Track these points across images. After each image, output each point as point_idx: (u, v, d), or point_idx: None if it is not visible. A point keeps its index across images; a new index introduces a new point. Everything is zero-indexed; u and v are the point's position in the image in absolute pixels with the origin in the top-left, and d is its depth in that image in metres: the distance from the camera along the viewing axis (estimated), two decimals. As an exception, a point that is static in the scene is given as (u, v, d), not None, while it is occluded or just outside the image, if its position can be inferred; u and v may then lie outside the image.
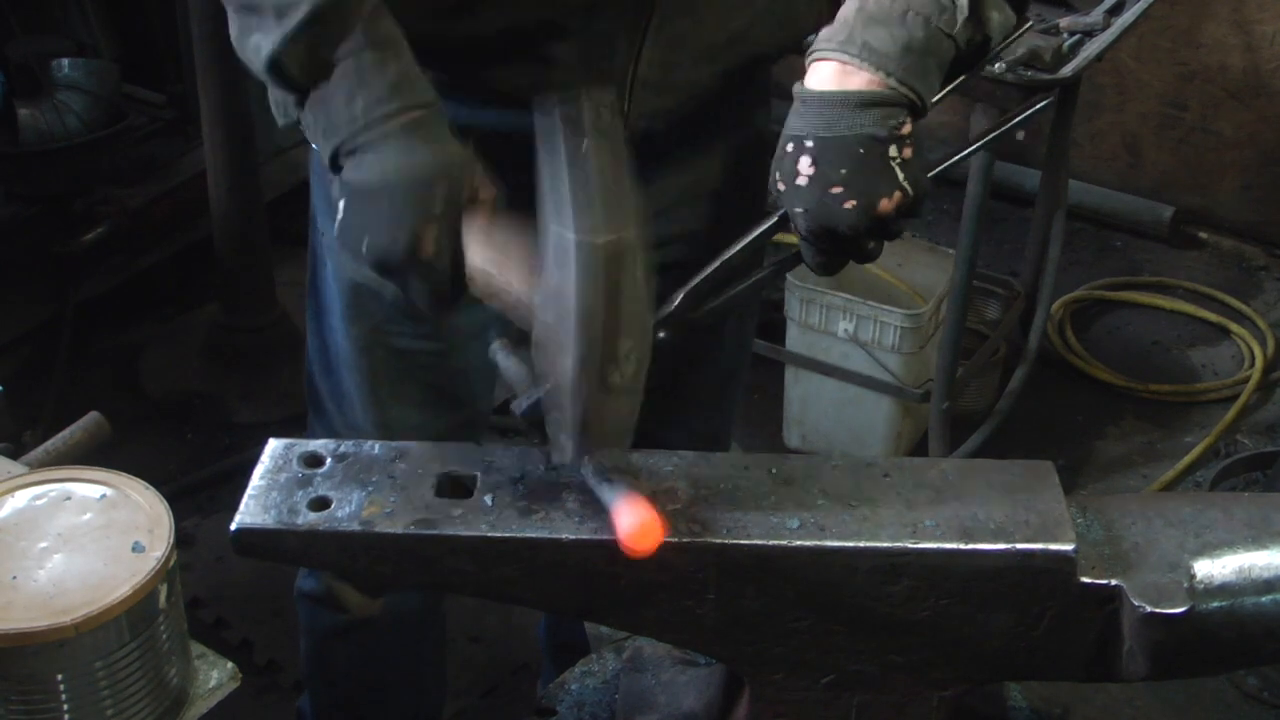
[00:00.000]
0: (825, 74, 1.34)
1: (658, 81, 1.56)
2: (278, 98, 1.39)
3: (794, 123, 1.35)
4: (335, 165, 1.34)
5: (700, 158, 1.72)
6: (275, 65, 1.33)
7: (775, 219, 1.39)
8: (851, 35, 1.33)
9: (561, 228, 1.16)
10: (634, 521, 1.19)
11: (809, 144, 1.32)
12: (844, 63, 1.33)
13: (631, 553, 1.18)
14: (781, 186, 1.34)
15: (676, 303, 1.37)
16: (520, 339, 1.35)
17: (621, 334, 1.18)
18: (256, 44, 1.35)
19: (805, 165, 1.32)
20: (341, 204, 1.33)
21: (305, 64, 1.32)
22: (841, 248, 1.37)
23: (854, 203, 1.32)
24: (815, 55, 1.36)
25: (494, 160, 1.33)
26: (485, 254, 1.29)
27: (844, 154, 1.32)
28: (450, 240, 1.28)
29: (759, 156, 1.64)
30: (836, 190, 1.31)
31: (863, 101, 1.33)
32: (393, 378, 1.81)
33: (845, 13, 1.36)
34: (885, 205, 1.33)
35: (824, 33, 1.36)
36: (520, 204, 1.32)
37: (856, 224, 1.32)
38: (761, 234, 1.40)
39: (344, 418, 1.88)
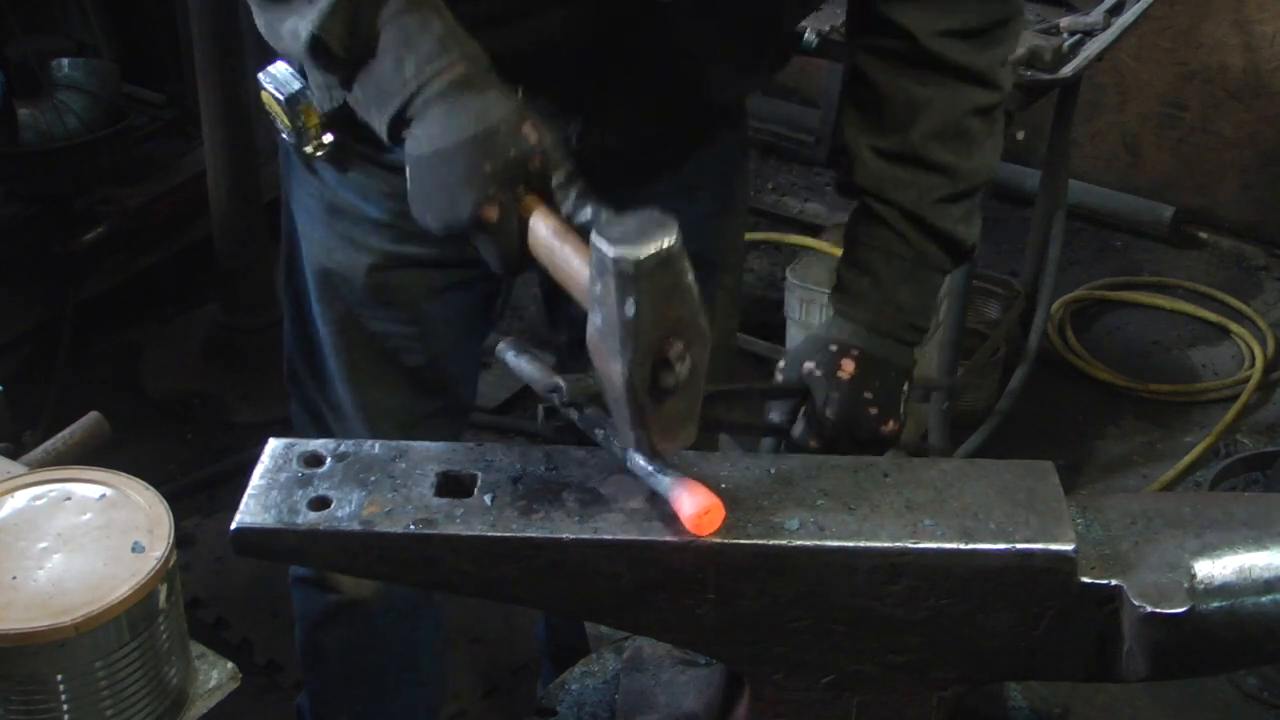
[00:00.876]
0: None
1: (611, 119, 1.59)
2: (321, 81, 1.39)
3: (842, 327, 1.58)
4: (396, 136, 1.33)
5: (664, 179, 1.74)
6: (316, 45, 1.32)
7: (785, 387, 1.57)
8: (892, 297, 1.59)
9: (599, 240, 1.14)
10: (697, 504, 1.20)
11: (854, 351, 1.56)
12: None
13: (698, 533, 1.21)
14: (819, 373, 1.54)
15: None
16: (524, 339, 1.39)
17: (671, 339, 1.17)
18: (293, 28, 1.34)
19: (849, 366, 1.54)
20: (409, 179, 1.32)
21: (346, 39, 1.31)
22: (842, 442, 1.54)
23: (876, 411, 1.54)
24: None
25: None
26: (549, 224, 1.27)
27: (881, 371, 1.56)
28: (512, 202, 1.27)
29: (737, 169, 1.78)
30: (868, 395, 1.54)
31: (899, 339, 1.59)
32: (370, 359, 1.82)
33: (871, 262, 1.59)
34: (892, 427, 1.56)
35: (856, 285, 1.60)
36: None
37: (874, 429, 1.54)
38: (770, 390, 1.59)
39: (325, 398, 1.89)
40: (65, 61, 3.45)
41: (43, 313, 3.47)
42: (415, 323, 1.80)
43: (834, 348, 1.56)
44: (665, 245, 1.13)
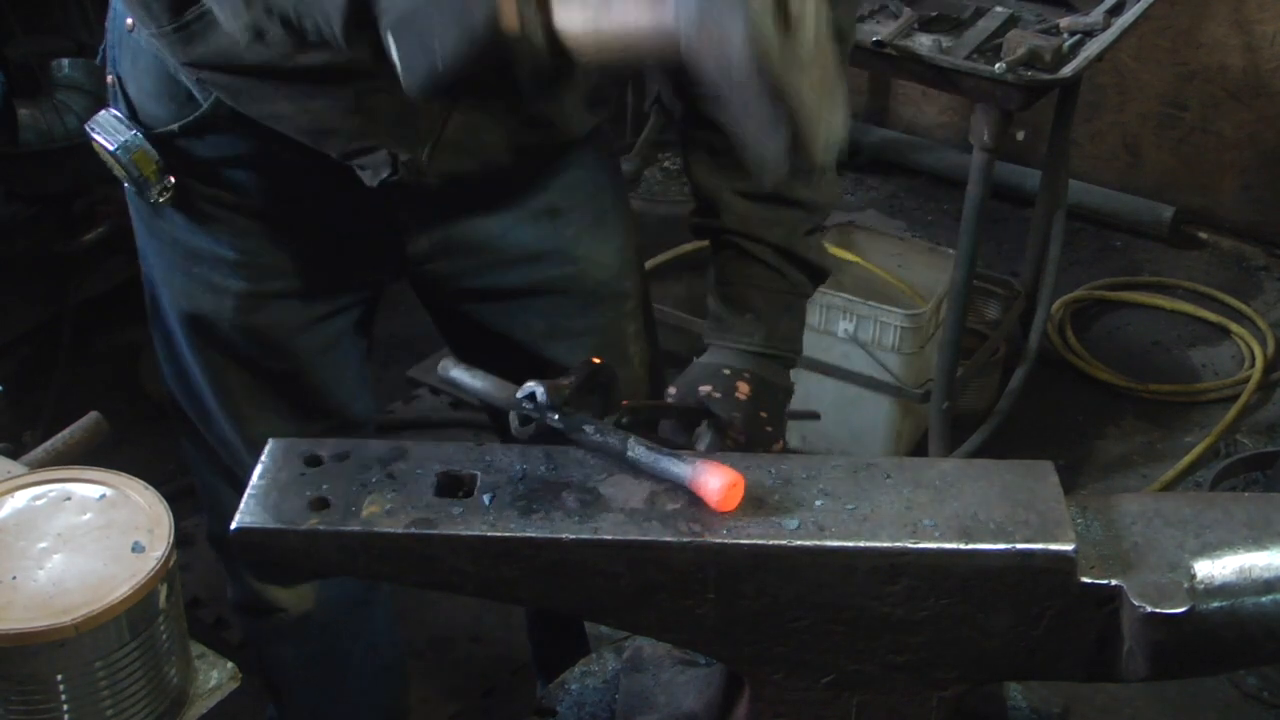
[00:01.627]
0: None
1: (455, 144, 1.56)
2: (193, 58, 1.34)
3: (727, 356, 1.66)
4: (356, 24, 1.17)
5: (523, 181, 1.72)
6: None
7: (685, 408, 1.61)
8: (775, 328, 1.69)
9: None
10: (721, 479, 1.22)
11: (746, 374, 1.64)
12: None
13: (724, 509, 1.23)
14: (718, 395, 1.60)
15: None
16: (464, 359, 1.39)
17: None
18: None
19: (744, 388, 1.62)
20: (393, 47, 1.14)
21: None
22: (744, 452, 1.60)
23: (771, 429, 1.63)
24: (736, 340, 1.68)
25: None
26: (581, 7, 1.11)
27: (770, 393, 1.66)
28: (534, 3, 1.11)
29: (609, 178, 1.79)
30: (763, 415, 1.62)
31: (784, 363, 1.72)
32: (250, 396, 1.79)
33: (750, 300, 1.67)
34: (781, 444, 1.65)
35: (739, 323, 1.67)
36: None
37: (768, 445, 1.61)
38: (677, 409, 1.61)
39: (213, 434, 1.87)
40: (65, 61, 3.45)
41: (43, 313, 3.47)
42: (290, 358, 1.77)
43: (727, 372, 1.64)
44: None
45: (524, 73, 1.13)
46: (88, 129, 1.63)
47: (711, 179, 1.67)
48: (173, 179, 1.63)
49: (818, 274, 1.73)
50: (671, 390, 1.64)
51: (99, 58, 1.73)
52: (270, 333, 1.75)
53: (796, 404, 3.56)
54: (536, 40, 1.11)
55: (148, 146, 1.61)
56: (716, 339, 1.68)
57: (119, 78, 1.66)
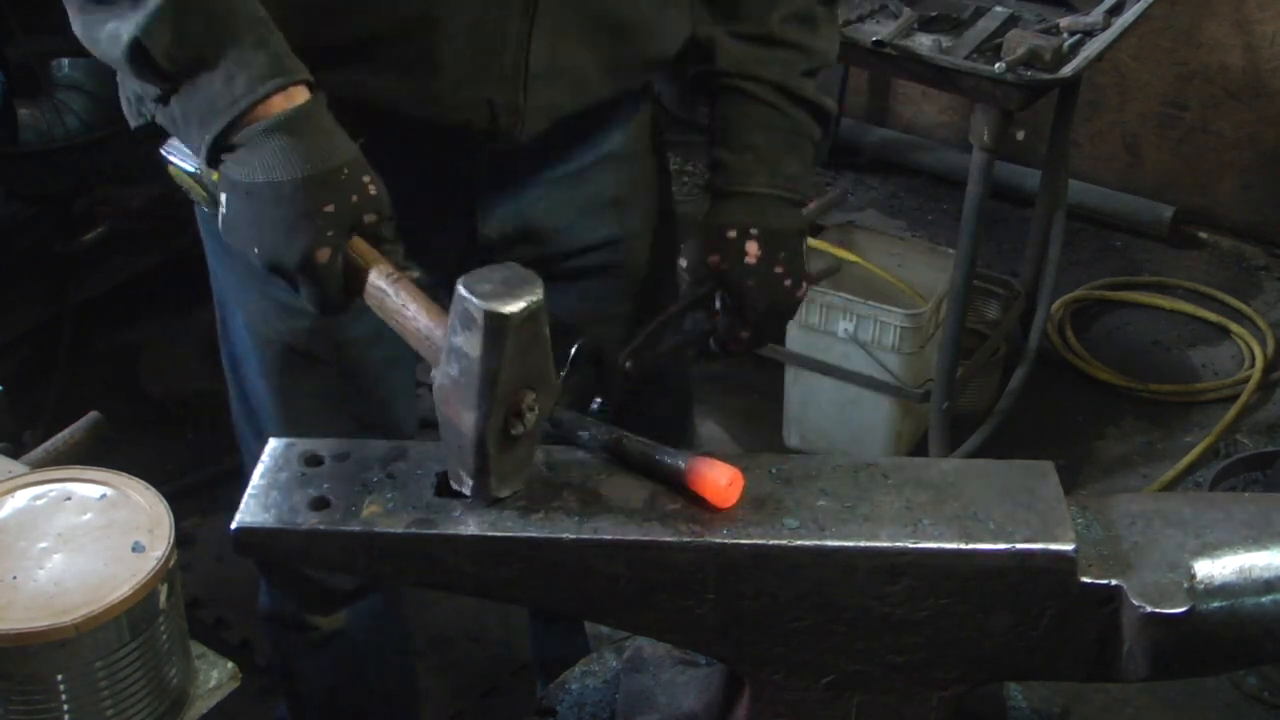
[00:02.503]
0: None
1: (546, 70, 1.54)
2: (134, 92, 1.33)
3: (730, 209, 1.60)
4: (215, 158, 1.29)
5: (598, 168, 1.74)
6: (137, 51, 1.26)
7: (701, 293, 1.62)
8: (778, 167, 1.63)
9: (468, 294, 1.14)
10: (721, 475, 1.22)
11: (753, 231, 1.59)
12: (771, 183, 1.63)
13: (724, 505, 1.23)
14: (725, 266, 1.58)
15: (640, 340, 1.54)
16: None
17: (526, 391, 1.19)
18: (114, 31, 1.28)
19: (753, 248, 1.58)
20: (224, 199, 1.28)
21: (171, 49, 1.26)
22: (768, 322, 1.63)
23: (789, 283, 1.60)
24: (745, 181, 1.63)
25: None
26: (383, 270, 1.28)
27: (782, 241, 1.60)
28: (343, 246, 1.27)
29: (659, 171, 1.79)
30: (779, 270, 1.59)
31: (791, 202, 1.63)
32: (315, 416, 1.78)
33: (750, 138, 1.63)
34: (804, 289, 1.63)
35: (738, 163, 1.63)
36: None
37: (792, 300, 1.61)
38: (694, 302, 1.62)
39: None
40: (65, 61, 3.45)
41: (43, 313, 3.47)
42: (358, 374, 1.77)
43: (732, 234, 1.59)
44: (532, 300, 1.15)
45: (311, 295, 1.29)
46: (163, 154, 1.59)
47: (707, 24, 1.66)
48: None
49: (821, 114, 1.68)
50: (682, 262, 1.64)
51: None
52: (346, 349, 1.73)
53: (794, 403, 3.56)
54: (334, 274, 1.28)
55: None
56: (719, 187, 1.64)
57: None
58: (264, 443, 1.82)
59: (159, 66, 1.27)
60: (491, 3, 1.48)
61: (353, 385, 1.77)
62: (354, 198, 1.27)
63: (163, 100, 1.31)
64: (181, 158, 1.57)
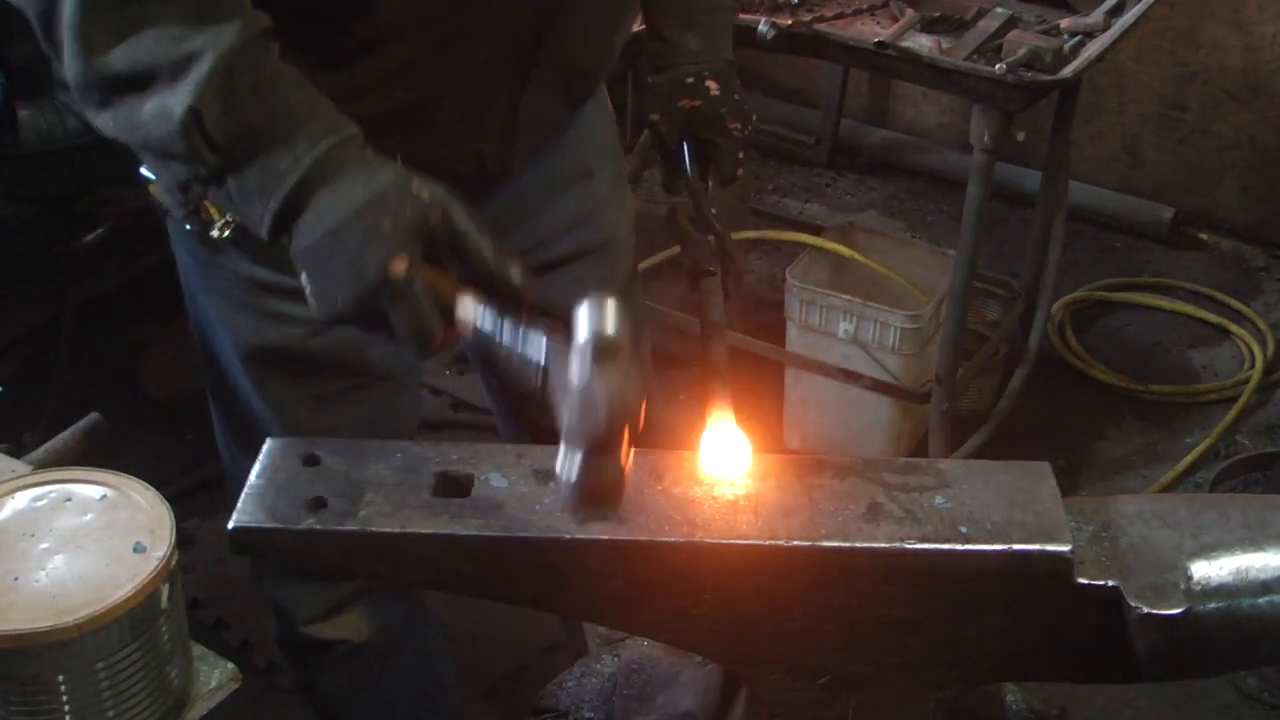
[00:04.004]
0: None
1: (530, 121, 1.63)
2: (179, 176, 1.28)
3: (685, 71, 1.81)
4: (281, 228, 1.26)
5: (578, 173, 1.86)
6: (193, 121, 1.22)
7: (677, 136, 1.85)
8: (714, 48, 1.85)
9: (590, 319, 1.17)
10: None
11: (707, 72, 1.81)
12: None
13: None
14: (699, 102, 1.80)
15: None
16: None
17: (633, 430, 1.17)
18: (161, 107, 1.23)
19: (713, 85, 1.81)
20: (304, 277, 1.26)
21: (220, 118, 1.22)
22: (743, 145, 1.85)
23: (748, 105, 1.84)
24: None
25: None
26: (478, 300, 1.25)
27: (729, 76, 1.84)
28: (416, 255, 1.23)
29: (610, 121, 1.97)
30: (736, 97, 1.83)
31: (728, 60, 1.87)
32: (317, 422, 1.77)
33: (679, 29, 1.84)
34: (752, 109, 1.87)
35: (689, 43, 1.84)
36: None
37: (749, 119, 1.84)
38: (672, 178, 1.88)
39: None
40: (66, 62, 3.45)
41: (43, 313, 3.47)
42: (359, 374, 1.76)
43: (690, 80, 1.81)
44: (636, 340, 1.19)
45: (404, 323, 1.24)
46: (144, 172, 1.55)
47: None
48: (232, 215, 1.56)
49: None
50: (655, 116, 1.82)
51: None
52: (341, 351, 1.72)
53: (794, 403, 3.58)
54: (416, 291, 1.23)
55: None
56: (668, 62, 1.83)
57: None
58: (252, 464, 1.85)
59: (211, 138, 1.24)
60: (486, 78, 1.54)
61: (351, 383, 1.77)
62: (409, 209, 1.24)
63: (216, 179, 1.27)
64: None
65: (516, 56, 1.56)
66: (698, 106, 1.80)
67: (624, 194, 2.00)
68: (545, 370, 1.19)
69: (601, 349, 1.15)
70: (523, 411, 2.01)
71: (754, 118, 1.85)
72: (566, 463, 1.16)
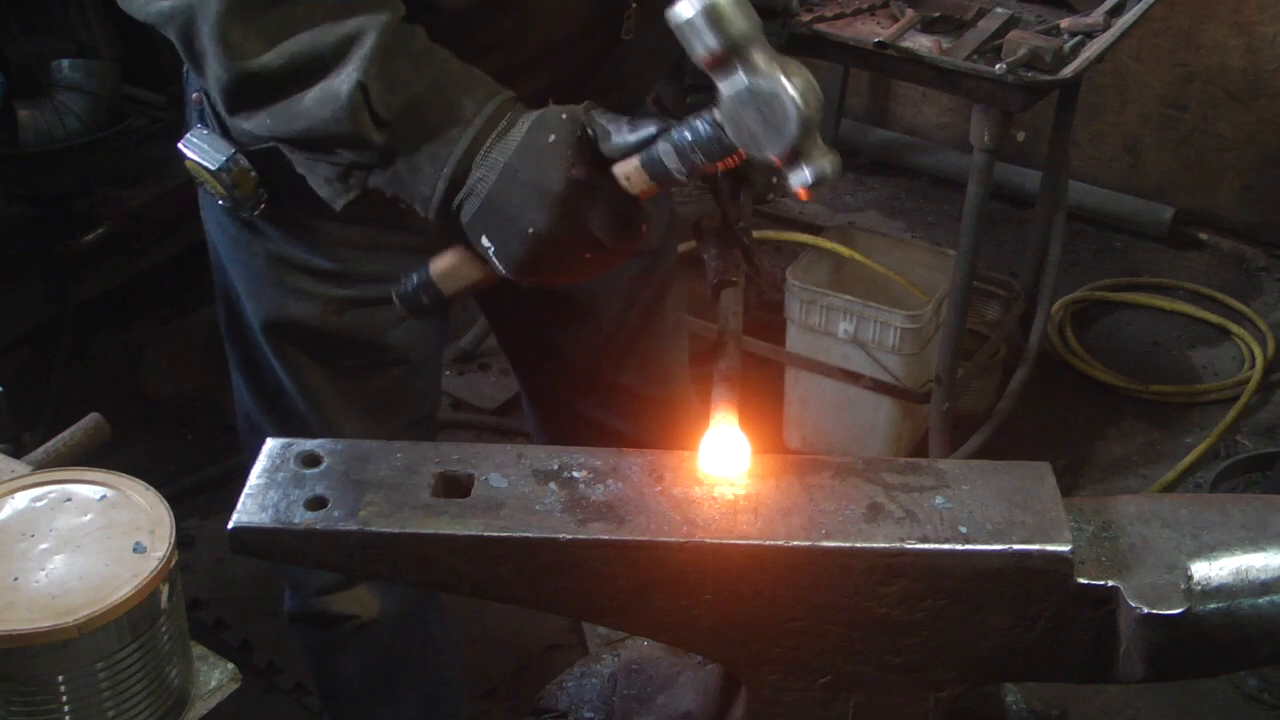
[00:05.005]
0: None
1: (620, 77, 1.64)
2: (341, 162, 1.32)
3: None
4: (449, 200, 1.30)
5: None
6: (361, 97, 1.26)
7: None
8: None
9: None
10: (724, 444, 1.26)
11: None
12: None
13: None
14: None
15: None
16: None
17: None
18: (327, 90, 1.28)
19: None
20: (484, 239, 1.30)
21: (384, 95, 1.27)
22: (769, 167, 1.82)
23: None
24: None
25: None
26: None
27: None
28: (585, 157, 1.27)
29: None
30: None
31: None
32: (335, 393, 1.80)
33: None
34: None
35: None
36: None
37: None
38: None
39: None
40: (65, 62, 3.45)
41: (43, 313, 3.47)
42: (375, 354, 1.79)
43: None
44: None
45: (604, 216, 1.27)
46: (181, 148, 1.60)
47: None
48: (265, 193, 1.62)
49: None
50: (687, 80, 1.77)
51: (184, 80, 1.72)
52: (362, 331, 1.76)
53: (794, 403, 3.56)
54: (609, 188, 1.27)
55: (247, 164, 1.60)
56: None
57: (207, 95, 1.64)
58: (277, 430, 1.87)
59: (377, 114, 1.28)
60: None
61: (372, 361, 1.79)
62: (564, 116, 1.28)
63: (383, 160, 1.31)
64: (203, 156, 1.60)
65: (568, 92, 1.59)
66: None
67: (664, 205, 1.98)
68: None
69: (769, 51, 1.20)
70: (556, 401, 2.05)
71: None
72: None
